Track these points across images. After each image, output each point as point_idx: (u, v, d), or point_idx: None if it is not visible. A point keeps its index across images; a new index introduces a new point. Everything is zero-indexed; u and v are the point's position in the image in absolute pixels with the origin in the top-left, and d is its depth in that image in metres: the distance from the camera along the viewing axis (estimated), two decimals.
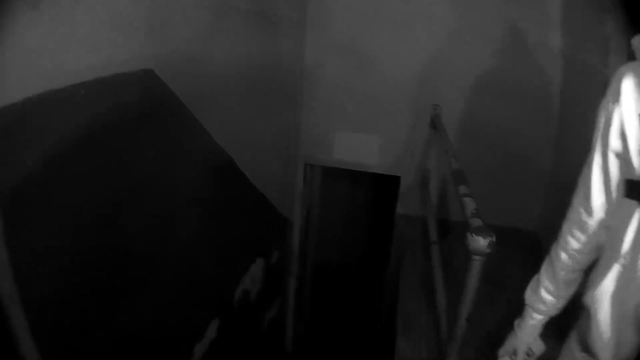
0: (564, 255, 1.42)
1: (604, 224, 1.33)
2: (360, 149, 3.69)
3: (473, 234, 1.52)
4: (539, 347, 1.56)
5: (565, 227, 1.42)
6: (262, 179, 2.96)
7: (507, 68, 3.29)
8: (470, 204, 1.73)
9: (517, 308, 2.74)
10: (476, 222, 1.58)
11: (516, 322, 1.59)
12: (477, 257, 1.55)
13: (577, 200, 1.39)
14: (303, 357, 4.73)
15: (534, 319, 1.52)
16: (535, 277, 1.53)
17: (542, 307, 1.49)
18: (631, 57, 2.13)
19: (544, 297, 1.48)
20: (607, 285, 1.26)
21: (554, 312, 1.50)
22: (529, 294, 1.53)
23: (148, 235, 1.85)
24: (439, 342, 2.12)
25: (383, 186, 4.33)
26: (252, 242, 3.07)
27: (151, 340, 1.95)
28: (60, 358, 1.43)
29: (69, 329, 1.47)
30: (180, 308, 2.18)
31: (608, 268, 1.26)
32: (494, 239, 1.52)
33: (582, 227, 1.37)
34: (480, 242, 1.51)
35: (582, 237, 1.38)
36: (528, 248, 3.43)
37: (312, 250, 4.60)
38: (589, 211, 1.34)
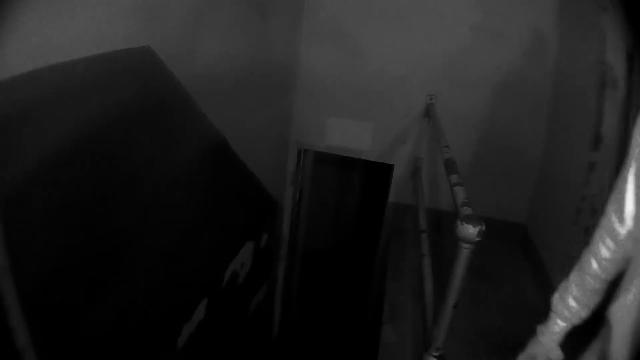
0: (594, 264, 1.42)
1: (633, 235, 1.33)
2: (353, 136, 3.69)
3: (463, 222, 1.52)
4: (558, 355, 1.56)
5: (597, 234, 1.42)
6: (254, 161, 2.95)
7: (502, 62, 3.31)
8: (461, 193, 1.74)
9: (503, 299, 2.79)
10: (466, 210, 1.59)
11: (539, 328, 1.58)
12: (466, 245, 1.56)
13: (610, 207, 1.38)
14: (289, 341, 4.76)
15: (558, 326, 1.52)
16: (564, 283, 1.52)
17: (567, 314, 1.49)
18: (630, 56, 2.14)
19: (571, 304, 1.48)
20: (629, 299, 1.25)
21: (576, 320, 1.50)
22: (555, 300, 1.53)
23: (138, 215, 1.85)
24: (425, 329, 2.13)
25: (376, 174, 4.33)
26: (243, 225, 3.07)
27: (141, 317, 1.96)
28: (50, 334, 1.44)
29: (60, 307, 1.48)
30: (170, 287, 2.19)
31: (632, 281, 1.26)
32: (483, 228, 1.52)
33: (613, 235, 1.36)
34: (470, 230, 1.51)
35: (612, 246, 1.37)
36: (516, 240, 3.46)
37: (302, 235, 4.61)
38: (621, 219, 1.34)
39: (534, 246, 3.28)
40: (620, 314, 1.27)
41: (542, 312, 1.59)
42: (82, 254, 1.55)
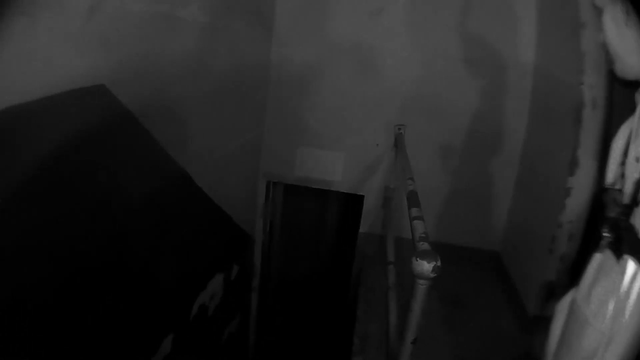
0: None
1: None
2: (324, 166, 3.69)
3: (418, 258, 1.52)
4: None
5: None
6: (222, 194, 2.93)
7: (474, 87, 3.34)
8: (419, 227, 1.74)
9: (478, 328, 2.78)
10: (423, 245, 1.58)
11: None
12: (421, 282, 1.55)
13: None
14: None
15: None
16: None
17: None
18: (610, 72, 2.12)
19: None
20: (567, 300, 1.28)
21: None
22: None
23: (99, 252, 1.83)
24: None
25: (347, 205, 4.33)
26: (210, 258, 3.04)
27: (105, 353, 1.93)
28: None
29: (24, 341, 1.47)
30: (134, 323, 2.16)
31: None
32: (438, 264, 1.51)
33: None
34: (425, 267, 1.50)
35: None
36: (490, 268, 3.47)
37: (275, 266, 4.58)
38: None
39: (507, 274, 3.28)
40: (559, 310, 1.29)
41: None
42: (42, 291, 1.53)
